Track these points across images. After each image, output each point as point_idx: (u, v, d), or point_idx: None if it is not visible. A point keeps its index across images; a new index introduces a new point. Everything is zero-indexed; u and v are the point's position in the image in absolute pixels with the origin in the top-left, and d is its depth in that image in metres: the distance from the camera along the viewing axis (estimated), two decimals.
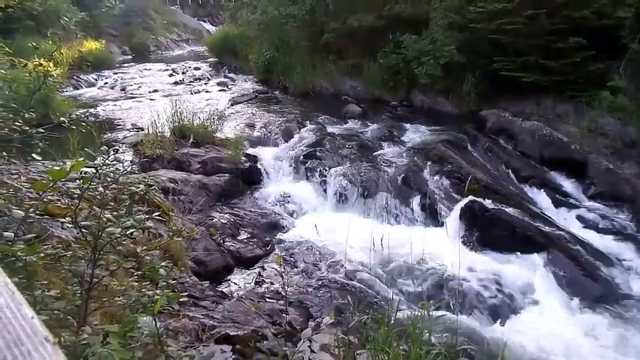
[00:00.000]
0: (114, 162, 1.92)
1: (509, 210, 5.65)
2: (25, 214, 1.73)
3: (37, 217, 2.08)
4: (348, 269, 4.73)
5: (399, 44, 9.66)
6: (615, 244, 5.51)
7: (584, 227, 5.85)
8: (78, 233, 1.85)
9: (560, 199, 6.42)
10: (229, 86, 12.82)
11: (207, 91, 12.25)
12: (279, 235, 5.66)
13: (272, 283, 4.49)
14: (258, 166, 7.02)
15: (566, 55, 7.45)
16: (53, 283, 2.10)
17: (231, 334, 3.19)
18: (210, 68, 15.37)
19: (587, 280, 4.85)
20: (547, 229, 5.49)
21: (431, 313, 2.85)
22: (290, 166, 7.10)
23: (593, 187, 6.58)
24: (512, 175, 6.96)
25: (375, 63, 10.39)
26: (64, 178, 1.54)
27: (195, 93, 11.99)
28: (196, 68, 15.39)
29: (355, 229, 4.75)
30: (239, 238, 5.34)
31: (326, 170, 6.70)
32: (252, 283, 4.55)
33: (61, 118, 2.87)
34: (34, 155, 2.12)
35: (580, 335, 4.17)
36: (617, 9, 7.23)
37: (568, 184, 6.80)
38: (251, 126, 8.64)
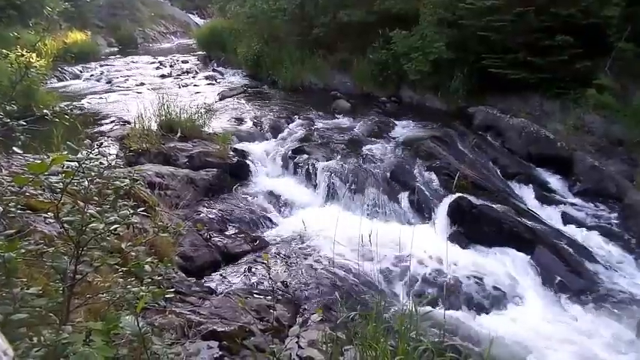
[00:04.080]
0: (98, 156, 1.87)
1: (497, 206, 5.70)
2: (4, 208, 1.68)
3: (19, 211, 2.02)
4: (336, 265, 4.72)
5: (388, 40, 9.65)
6: (600, 240, 5.58)
7: (569, 223, 5.92)
8: (61, 228, 1.81)
9: (547, 196, 6.49)
10: (217, 80, 12.70)
11: (195, 85, 12.12)
12: (267, 231, 5.64)
13: (260, 279, 4.46)
14: (247, 160, 6.97)
15: (553, 52, 7.51)
16: (35, 280, 2.05)
17: (218, 330, 3.16)
18: (199, 61, 15.19)
19: (571, 276, 4.91)
20: (533, 225, 5.55)
21: (419, 308, 2.85)
22: (278, 161, 7.06)
23: (578, 184, 6.66)
24: (499, 172, 7.02)
25: (365, 58, 10.37)
26: (46, 172, 1.50)
27: (183, 86, 11.84)
28: (184, 61, 15.20)
29: (343, 224, 4.72)
30: (227, 233, 5.30)
31: (315, 166, 6.68)
32: (240, 279, 4.52)
33: (44, 111, 2.80)
34: (14, 148, 2.06)
35: (565, 329, 4.23)
36: (603, 8, 7.29)
37: (554, 181, 6.88)
38: (239, 120, 8.58)
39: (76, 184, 1.81)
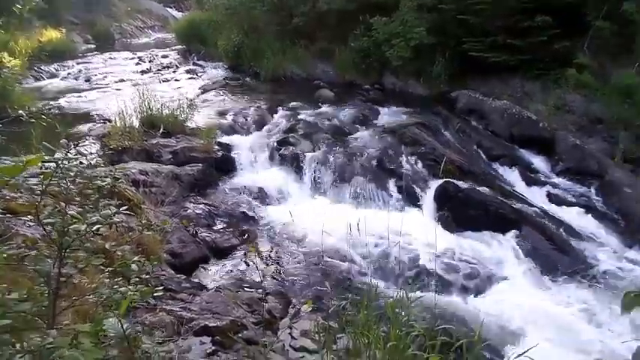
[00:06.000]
0: (76, 156, 1.83)
1: (482, 189, 5.76)
2: None
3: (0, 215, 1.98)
4: (325, 255, 4.73)
5: (369, 27, 9.60)
6: (583, 218, 5.70)
7: (553, 203, 6.02)
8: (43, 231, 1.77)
9: (531, 176, 6.58)
10: (199, 74, 12.51)
11: (176, 80, 11.92)
12: (255, 224, 5.61)
13: (250, 273, 4.45)
14: (232, 154, 6.90)
15: (532, 34, 7.55)
16: (19, 284, 2.01)
17: (210, 325, 3.15)
18: (178, 56, 14.92)
19: (557, 254, 5.01)
20: (518, 206, 5.63)
21: (409, 294, 2.87)
22: (264, 153, 7.01)
23: (561, 164, 6.77)
24: (483, 155, 7.08)
25: (346, 47, 10.31)
26: (25, 174, 1.46)
27: (164, 81, 11.64)
28: (164, 56, 14.92)
29: (331, 214, 4.76)
30: (214, 228, 5.26)
31: (300, 156, 6.65)
32: (230, 274, 4.50)
33: (20, 112, 2.73)
34: None
35: (552, 307, 4.31)
36: None
37: (537, 161, 6.97)
38: (223, 114, 8.47)
39: (56, 185, 1.77)
